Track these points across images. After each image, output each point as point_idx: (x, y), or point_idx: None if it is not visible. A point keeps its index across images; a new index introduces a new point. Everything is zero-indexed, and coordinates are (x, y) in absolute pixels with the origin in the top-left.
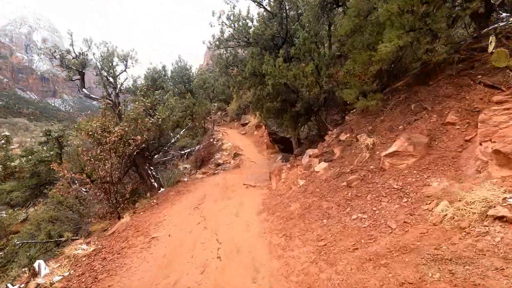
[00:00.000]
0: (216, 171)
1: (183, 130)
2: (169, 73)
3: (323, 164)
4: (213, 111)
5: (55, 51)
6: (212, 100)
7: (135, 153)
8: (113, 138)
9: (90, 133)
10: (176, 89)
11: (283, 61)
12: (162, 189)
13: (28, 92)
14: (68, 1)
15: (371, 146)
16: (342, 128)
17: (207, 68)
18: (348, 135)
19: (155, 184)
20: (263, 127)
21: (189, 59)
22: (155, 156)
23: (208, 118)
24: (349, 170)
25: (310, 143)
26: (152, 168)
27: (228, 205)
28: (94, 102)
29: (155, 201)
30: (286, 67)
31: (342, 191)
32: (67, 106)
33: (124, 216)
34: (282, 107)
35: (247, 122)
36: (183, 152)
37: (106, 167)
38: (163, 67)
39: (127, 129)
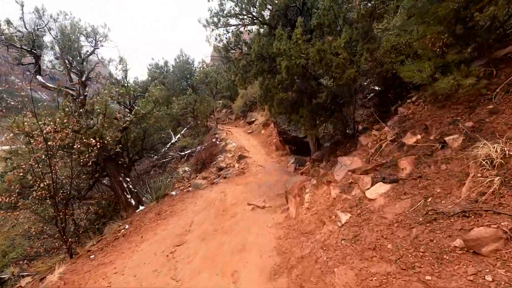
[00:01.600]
0: (215, 180)
1: (185, 129)
2: (171, 68)
3: (382, 187)
4: (218, 109)
5: None
6: (215, 95)
7: (100, 159)
8: (65, 139)
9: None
10: (178, 85)
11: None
12: (141, 207)
13: (39, 92)
14: (66, 2)
15: (498, 159)
16: (403, 125)
17: (212, 64)
18: (420, 136)
19: (132, 201)
20: (271, 125)
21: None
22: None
23: (211, 115)
24: (459, 210)
25: (333, 146)
26: (128, 179)
27: (221, 249)
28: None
29: (124, 229)
30: (306, 40)
31: (456, 263)
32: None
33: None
34: (298, 99)
35: (254, 120)
36: (183, 153)
37: (47, 182)
38: (165, 62)
39: (86, 126)
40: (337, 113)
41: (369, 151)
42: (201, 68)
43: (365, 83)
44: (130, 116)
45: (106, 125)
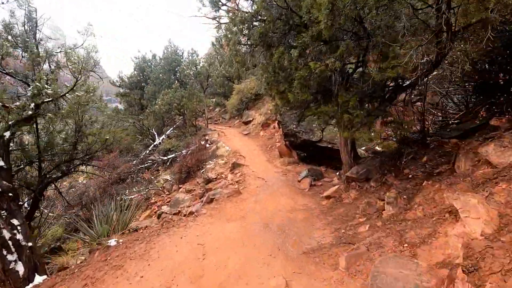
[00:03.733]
0: (195, 208)
1: (170, 129)
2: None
3: None
4: (210, 107)
5: None
6: (206, 91)
7: None
8: None
9: None
10: (165, 79)
11: None
12: (36, 280)
13: None
14: None
15: None
16: None
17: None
18: None
19: (19, 269)
20: (273, 125)
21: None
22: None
23: (201, 113)
24: None
25: (389, 159)
26: (17, 222)
27: None
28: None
29: None
30: None
31: None
32: None
33: None
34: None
35: (251, 119)
36: (165, 157)
37: None
38: (154, 55)
39: None
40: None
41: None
42: (190, 57)
43: None
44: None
45: None
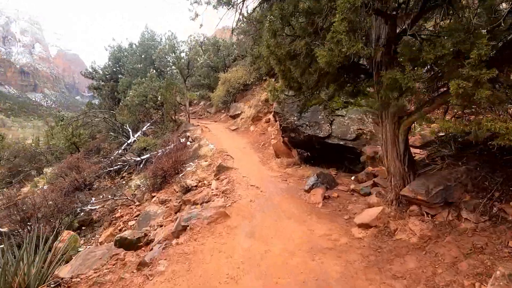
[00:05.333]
0: (152, 256)
1: (147, 125)
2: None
3: None
4: (195, 101)
5: None
6: (187, 79)
7: None
8: None
9: None
10: (141, 68)
11: None
12: None
13: (6, 86)
14: None
15: None
16: None
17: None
18: None
19: None
20: (264, 119)
21: None
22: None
23: (181, 106)
24: None
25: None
26: None
27: None
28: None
29: None
30: None
31: None
32: (48, 101)
33: None
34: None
35: (239, 113)
36: (138, 158)
37: None
38: (130, 44)
39: None
40: None
41: None
42: (167, 40)
43: None
44: None
45: None
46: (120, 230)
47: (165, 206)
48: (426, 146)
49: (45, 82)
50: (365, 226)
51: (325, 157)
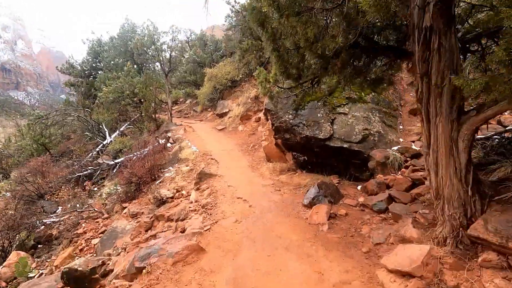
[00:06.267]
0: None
1: (125, 125)
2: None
3: None
4: (181, 99)
5: None
6: (168, 74)
7: None
8: None
9: None
10: (121, 63)
11: None
12: None
13: None
14: None
15: None
16: None
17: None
18: None
19: None
20: (254, 118)
21: None
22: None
23: (162, 104)
24: None
25: None
26: None
27: None
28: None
29: None
30: None
31: None
32: (32, 100)
33: None
34: None
35: (226, 111)
36: (111, 162)
37: None
38: (111, 38)
39: None
40: None
41: None
42: (146, 30)
43: None
44: None
45: None
46: (81, 250)
47: (136, 221)
48: None
49: (28, 80)
50: (402, 274)
51: (326, 162)
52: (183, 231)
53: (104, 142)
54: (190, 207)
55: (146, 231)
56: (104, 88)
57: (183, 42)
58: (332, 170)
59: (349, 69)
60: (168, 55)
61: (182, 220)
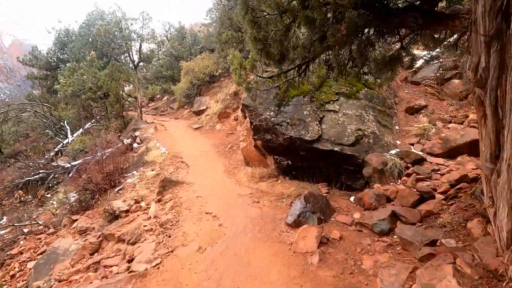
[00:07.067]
0: None
1: (90, 122)
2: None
3: None
4: (158, 96)
5: None
6: (138, 65)
7: None
8: None
9: None
10: (87, 54)
11: None
12: None
13: None
14: None
15: None
16: None
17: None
18: None
19: None
20: (233, 116)
21: None
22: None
23: (126, 100)
24: None
25: None
26: None
27: None
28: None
29: None
30: None
31: None
32: (2, 95)
33: None
34: None
35: (204, 108)
36: (67, 165)
37: None
38: (81, 27)
39: None
40: None
41: None
42: (113, 13)
43: None
44: None
45: None
46: (12, 276)
47: (83, 239)
48: (453, 155)
49: None
50: None
51: (313, 167)
52: (131, 259)
53: (65, 142)
54: (145, 226)
55: (92, 254)
56: (61, 80)
57: (161, 36)
58: (320, 177)
59: (358, 39)
60: (138, 45)
61: (133, 243)
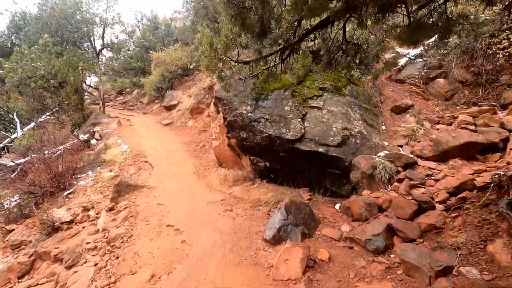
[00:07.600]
0: None
1: (44, 115)
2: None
3: None
4: (127, 89)
5: None
6: (100, 52)
7: None
8: None
9: None
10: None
11: None
12: None
13: None
14: None
15: None
16: None
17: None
18: None
19: None
20: (207, 112)
21: None
22: None
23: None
24: None
25: None
26: None
27: None
28: None
29: None
30: None
31: None
32: None
33: None
34: None
35: (175, 103)
36: (10, 164)
37: None
38: (39, 8)
39: None
40: None
41: None
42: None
43: None
44: None
45: None
46: None
47: (15, 256)
48: (445, 158)
49: None
50: None
51: (294, 170)
52: None
53: (13, 136)
54: (89, 242)
55: (19, 278)
56: (5, 65)
57: (133, 26)
58: (301, 181)
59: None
60: (101, 31)
61: (70, 267)
